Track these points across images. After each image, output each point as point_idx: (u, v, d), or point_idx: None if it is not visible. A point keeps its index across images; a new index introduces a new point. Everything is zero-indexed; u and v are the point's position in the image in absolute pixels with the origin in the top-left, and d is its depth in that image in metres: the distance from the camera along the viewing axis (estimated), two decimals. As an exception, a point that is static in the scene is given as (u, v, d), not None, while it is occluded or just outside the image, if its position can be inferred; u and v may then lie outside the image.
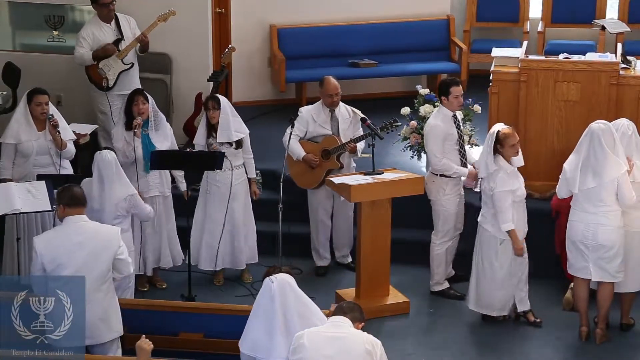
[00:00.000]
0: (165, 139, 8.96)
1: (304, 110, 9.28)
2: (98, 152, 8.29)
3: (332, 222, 9.49)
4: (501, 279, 8.40)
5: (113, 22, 10.00)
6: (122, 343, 7.37)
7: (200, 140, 9.04)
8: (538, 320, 8.54)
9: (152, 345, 6.22)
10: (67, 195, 6.95)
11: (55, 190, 7.90)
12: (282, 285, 6.34)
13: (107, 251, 6.89)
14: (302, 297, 6.39)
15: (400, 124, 9.31)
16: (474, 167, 8.91)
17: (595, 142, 8.06)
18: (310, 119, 9.21)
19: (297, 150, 9.18)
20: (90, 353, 6.86)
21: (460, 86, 8.88)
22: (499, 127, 8.32)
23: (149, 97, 8.96)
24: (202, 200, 9.16)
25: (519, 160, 8.36)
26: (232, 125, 8.97)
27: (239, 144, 9.03)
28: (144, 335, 6.27)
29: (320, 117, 9.23)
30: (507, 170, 8.22)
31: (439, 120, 8.84)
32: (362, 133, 9.25)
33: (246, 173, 9.15)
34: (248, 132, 9.13)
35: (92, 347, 6.91)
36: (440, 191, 8.88)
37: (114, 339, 6.99)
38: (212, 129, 8.98)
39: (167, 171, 9.00)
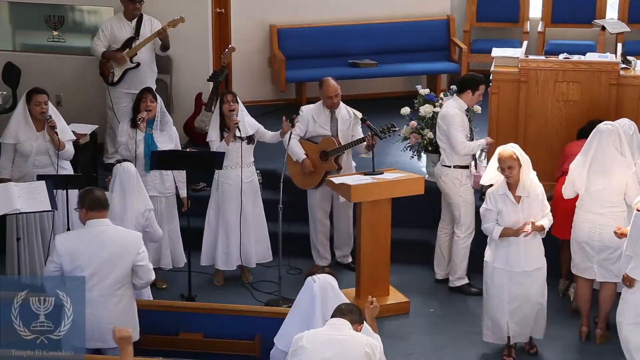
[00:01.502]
0: (169, 140, 8.95)
1: (305, 110, 9.28)
2: (118, 164, 8.12)
3: (332, 222, 9.49)
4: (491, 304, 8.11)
5: (135, 21, 10.07)
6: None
7: (214, 137, 9.00)
8: (533, 350, 8.27)
9: (130, 331, 6.03)
10: (90, 198, 6.93)
11: (54, 191, 7.93)
12: (323, 285, 6.43)
13: (126, 256, 6.88)
14: (342, 299, 6.43)
15: (397, 129, 9.29)
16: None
17: (603, 143, 8.05)
18: (311, 118, 9.21)
19: (297, 151, 9.17)
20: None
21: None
22: (505, 146, 7.95)
23: (159, 97, 8.98)
24: (213, 199, 9.15)
25: (521, 189, 7.83)
26: (246, 120, 9.01)
27: (250, 140, 9.03)
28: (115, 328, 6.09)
29: (321, 118, 9.22)
30: (499, 190, 7.90)
31: (457, 109, 8.87)
32: (360, 133, 9.25)
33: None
34: (260, 125, 9.17)
35: (105, 350, 6.89)
36: (455, 182, 8.90)
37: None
38: (224, 125, 8.97)
39: (170, 172, 8.98)
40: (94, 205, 6.92)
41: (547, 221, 7.96)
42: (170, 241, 9.07)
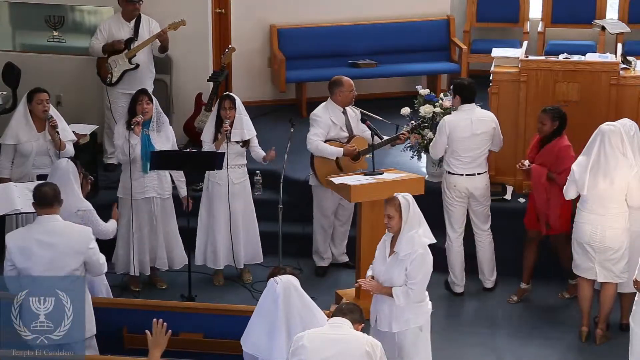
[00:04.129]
0: (167, 140, 8.94)
1: (320, 114, 9.14)
2: (59, 160, 8.09)
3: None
4: None
5: (134, 21, 10.05)
6: (121, 343, 7.39)
7: (207, 139, 9.01)
8: None
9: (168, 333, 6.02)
10: (38, 194, 6.98)
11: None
12: (286, 287, 6.38)
13: (75, 252, 6.89)
14: (305, 299, 6.42)
15: (427, 124, 9.32)
16: None
17: (605, 143, 8.04)
18: (330, 123, 9.14)
19: (331, 149, 9.06)
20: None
21: None
22: (399, 193, 7.27)
23: (154, 98, 8.97)
24: (205, 198, 9.16)
25: (397, 244, 7.13)
26: (245, 123, 9.00)
27: (245, 143, 9.03)
28: (147, 332, 6.09)
29: (339, 119, 9.16)
30: (386, 236, 7.36)
31: None
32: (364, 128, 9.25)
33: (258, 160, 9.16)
34: (255, 133, 9.13)
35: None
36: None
37: (85, 339, 6.92)
38: (219, 127, 8.96)
39: (167, 173, 8.97)
40: (41, 201, 6.96)
41: (400, 292, 7.08)
42: (167, 243, 9.07)
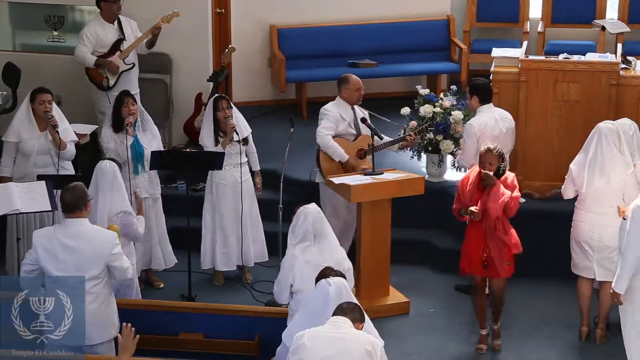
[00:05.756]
0: (153, 138, 8.94)
1: (331, 109, 9.13)
2: (100, 161, 8.11)
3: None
4: None
5: (116, 22, 9.98)
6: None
7: (209, 143, 8.99)
8: None
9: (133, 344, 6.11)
10: (60, 200, 7.04)
11: (53, 191, 7.94)
12: (339, 288, 6.45)
13: (99, 257, 6.89)
14: (354, 299, 6.43)
15: (433, 128, 9.31)
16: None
17: (602, 142, 8.05)
18: (340, 117, 9.14)
19: (338, 151, 9.04)
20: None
21: None
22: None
23: (136, 98, 8.99)
24: (208, 201, 9.14)
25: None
26: (240, 121, 9.02)
27: (245, 140, 9.04)
28: (119, 335, 6.17)
29: (348, 116, 9.15)
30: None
31: None
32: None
33: (250, 168, 9.15)
34: (250, 129, 9.16)
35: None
36: None
37: (105, 341, 6.96)
38: (219, 129, 8.96)
39: (156, 173, 8.96)
40: (63, 207, 7.01)
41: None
42: (160, 242, 9.07)
